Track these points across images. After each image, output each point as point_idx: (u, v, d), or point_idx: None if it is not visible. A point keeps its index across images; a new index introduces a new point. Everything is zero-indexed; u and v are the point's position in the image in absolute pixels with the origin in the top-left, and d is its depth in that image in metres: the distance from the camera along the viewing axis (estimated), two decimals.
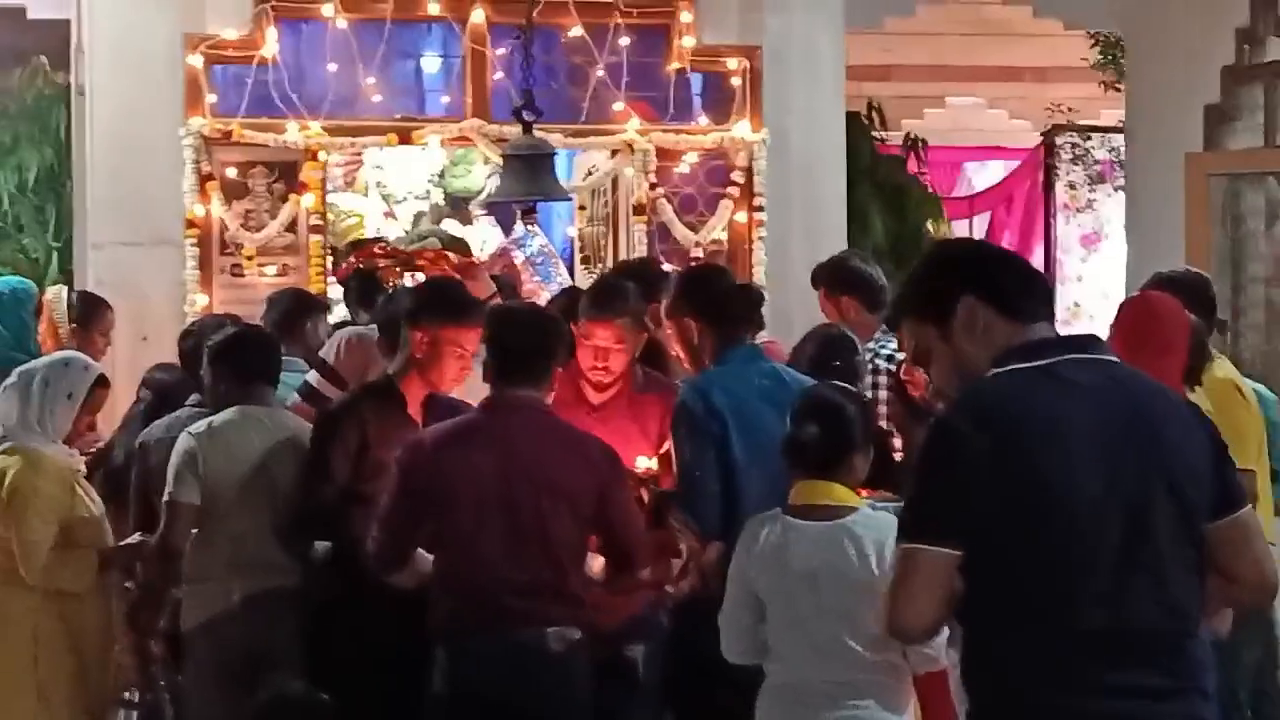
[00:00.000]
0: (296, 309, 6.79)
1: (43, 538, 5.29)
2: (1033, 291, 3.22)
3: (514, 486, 4.65)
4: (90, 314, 7.34)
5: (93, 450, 6.03)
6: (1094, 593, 2.97)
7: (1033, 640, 2.99)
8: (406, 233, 7.35)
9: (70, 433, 5.48)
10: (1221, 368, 5.96)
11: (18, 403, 5.43)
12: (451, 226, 9.77)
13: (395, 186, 10.21)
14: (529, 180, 7.20)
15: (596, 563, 4.89)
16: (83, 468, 5.59)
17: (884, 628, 3.13)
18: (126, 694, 5.58)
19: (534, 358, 4.80)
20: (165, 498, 5.45)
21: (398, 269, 6.82)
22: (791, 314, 7.62)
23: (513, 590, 4.61)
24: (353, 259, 6.94)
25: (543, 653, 4.62)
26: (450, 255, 6.73)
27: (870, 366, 6.17)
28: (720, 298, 5.49)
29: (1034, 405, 3.04)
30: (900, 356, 5.85)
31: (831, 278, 6.83)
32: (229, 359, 5.60)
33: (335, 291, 8.08)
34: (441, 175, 10.31)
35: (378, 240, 7.71)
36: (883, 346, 6.32)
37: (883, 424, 5.94)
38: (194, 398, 5.90)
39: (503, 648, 4.61)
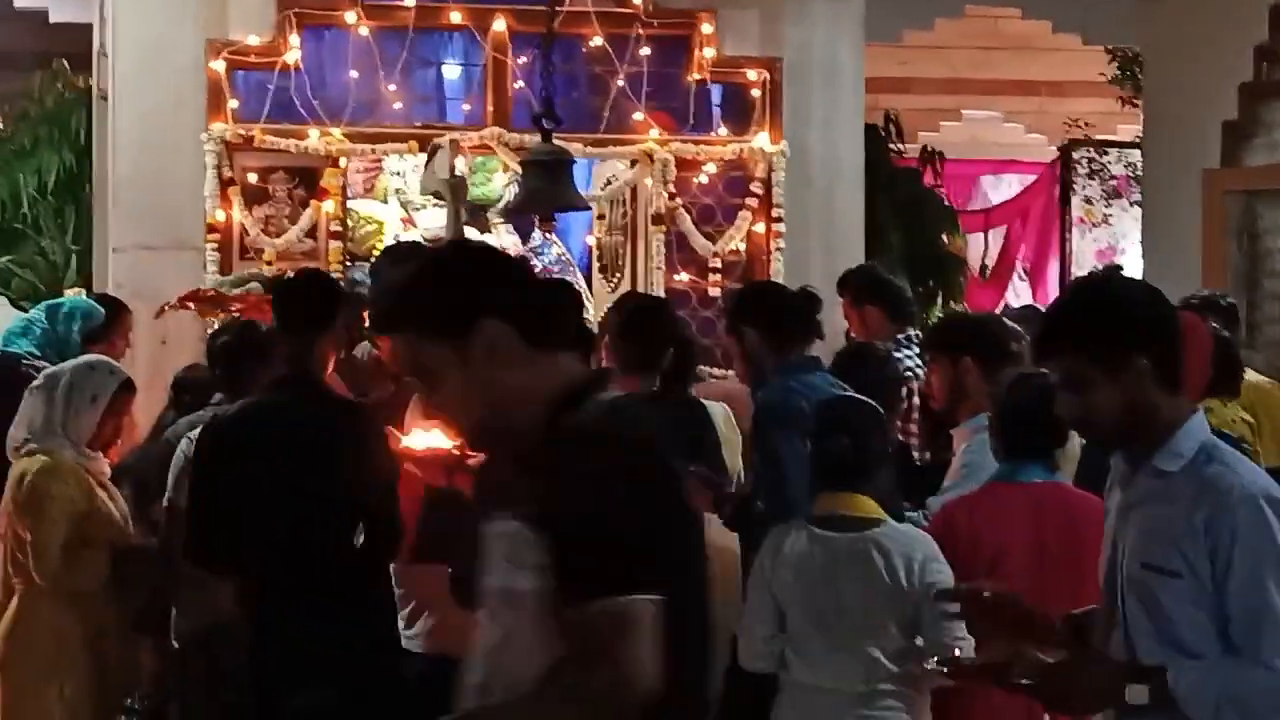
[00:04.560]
0: None
1: (54, 540, 5.33)
2: None
3: None
4: (110, 317, 7.34)
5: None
6: None
7: None
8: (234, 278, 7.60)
9: (94, 436, 5.51)
10: (1251, 375, 6.08)
11: (43, 406, 5.48)
12: (469, 234, 9.75)
13: (414, 193, 10.23)
14: (548, 188, 7.20)
15: None
16: (107, 470, 5.60)
17: None
18: (128, 700, 5.56)
19: None
20: (164, 502, 5.44)
21: (217, 310, 7.26)
22: None
23: None
24: (174, 302, 7.07)
25: None
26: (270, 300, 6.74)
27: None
28: (782, 310, 5.48)
29: None
30: (921, 372, 5.85)
31: (858, 286, 6.98)
32: (235, 360, 5.62)
33: None
34: None
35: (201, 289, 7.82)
36: (907, 357, 6.35)
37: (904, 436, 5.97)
38: (217, 396, 5.91)
39: None
